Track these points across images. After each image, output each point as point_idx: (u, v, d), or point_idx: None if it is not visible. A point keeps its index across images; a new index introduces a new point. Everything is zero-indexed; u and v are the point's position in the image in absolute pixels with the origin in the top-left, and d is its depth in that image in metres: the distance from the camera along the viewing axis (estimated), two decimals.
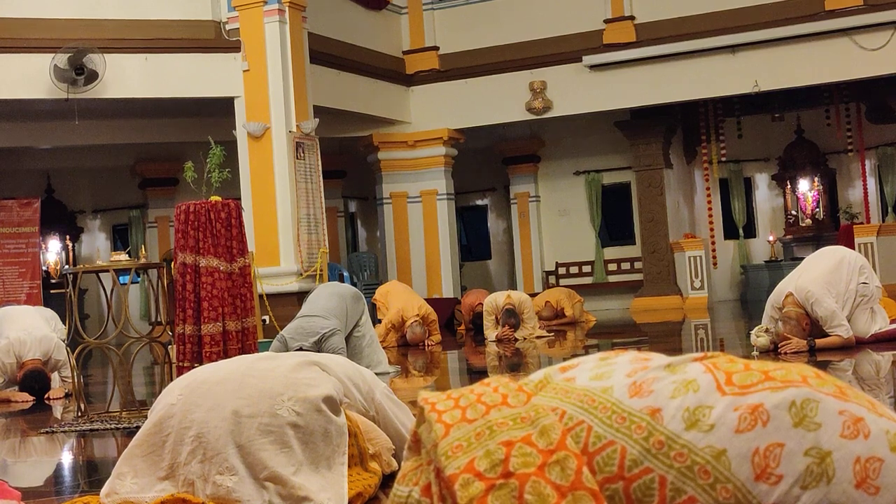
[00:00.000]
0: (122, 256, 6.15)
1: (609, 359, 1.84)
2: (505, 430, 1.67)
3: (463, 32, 15.29)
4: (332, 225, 15.76)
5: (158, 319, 6.13)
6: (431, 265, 15.16)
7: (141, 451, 2.94)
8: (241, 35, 11.49)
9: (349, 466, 2.97)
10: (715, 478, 1.55)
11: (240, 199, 10.63)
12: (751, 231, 16.79)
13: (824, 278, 6.73)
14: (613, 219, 16.83)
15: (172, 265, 6.47)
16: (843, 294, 6.73)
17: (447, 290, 14.98)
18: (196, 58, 11.56)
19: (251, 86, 11.47)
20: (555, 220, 16.94)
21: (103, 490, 2.97)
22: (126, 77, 11.22)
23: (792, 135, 16.15)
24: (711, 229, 16.65)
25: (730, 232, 16.75)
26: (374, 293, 11.43)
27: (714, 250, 16.55)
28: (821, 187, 15.93)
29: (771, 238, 16.10)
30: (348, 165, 17.01)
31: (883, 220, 15.49)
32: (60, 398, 7.17)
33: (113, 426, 5.38)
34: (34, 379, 7.12)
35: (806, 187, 15.95)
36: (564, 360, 1.94)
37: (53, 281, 14.91)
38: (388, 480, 3.12)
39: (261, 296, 10.13)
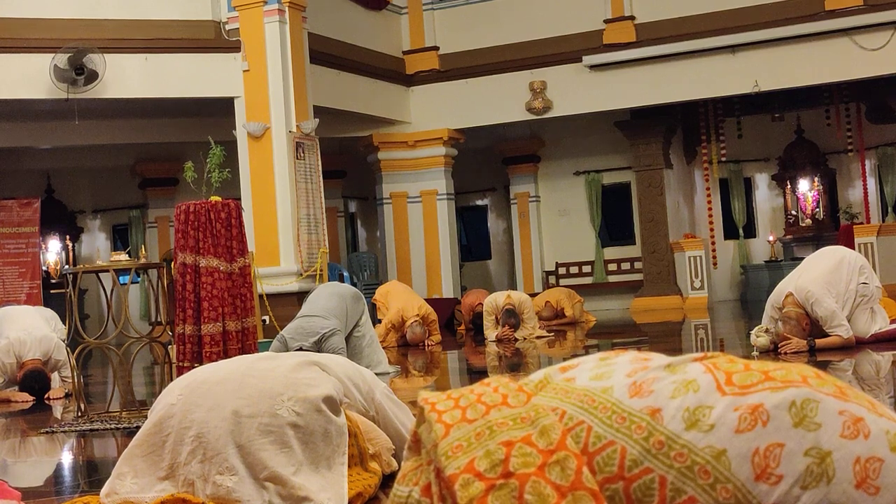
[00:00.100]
0: (122, 256, 6.15)
1: (609, 359, 1.84)
2: (505, 430, 1.67)
3: (463, 32, 15.29)
4: (332, 225, 15.76)
5: (158, 319, 6.13)
6: (431, 265, 15.16)
7: (141, 451, 2.94)
8: (241, 35, 11.49)
9: (349, 466, 2.97)
10: (715, 478, 1.55)
11: (240, 199, 10.63)
12: (751, 231, 16.79)
13: (824, 278, 6.73)
14: (613, 219, 16.83)
15: (172, 265, 6.47)
16: (843, 294, 6.73)
17: (447, 290, 14.98)
18: (196, 58, 11.56)
19: (251, 86, 11.47)
20: (555, 220, 16.94)
21: (103, 490, 2.97)
22: (126, 77, 11.22)
23: (792, 135, 16.15)
24: (711, 229, 16.65)
25: (730, 232, 16.75)
26: (374, 293, 11.43)
27: (714, 250, 16.55)
28: (821, 187, 15.93)
29: (771, 238, 16.10)
30: (348, 165, 17.01)
31: (883, 220, 15.49)
32: (60, 398, 7.17)
33: (113, 426, 5.38)
34: (34, 379, 7.12)
35: (806, 187, 15.95)
36: (564, 360, 1.94)
37: (53, 281, 14.91)
38: (388, 480, 3.12)
39: (261, 296, 10.13)
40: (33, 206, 14.26)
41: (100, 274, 6.41)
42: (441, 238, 15.22)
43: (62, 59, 10.71)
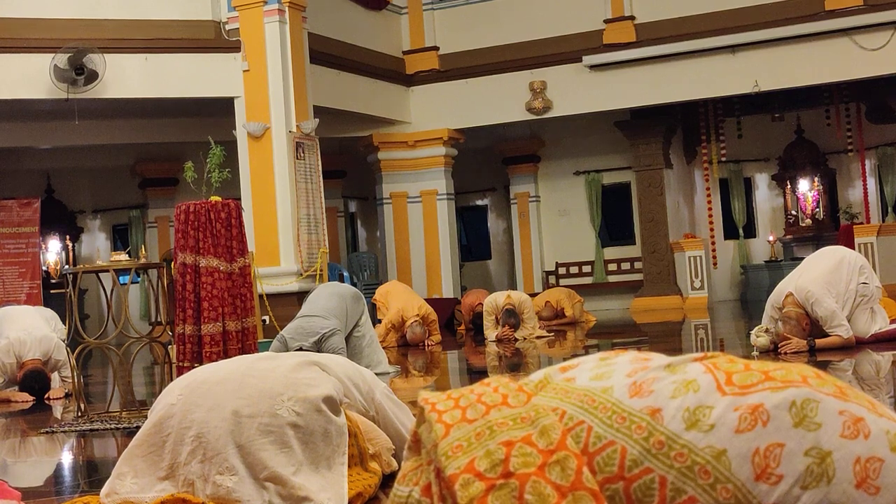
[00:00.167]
0: (122, 256, 6.15)
1: (609, 359, 1.84)
2: (505, 430, 1.67)
3: (463, 32, 15.29)
4: (332, 225, 15.76)
5: (158, 319, 6.13)
6: (431, 265, 15.16)
7: (141, 451, 2.94)
8: (241, 35, 11.49)
9: (349, 466, 2.97)
10: (715, 478, 1.55)
11: (240, 199, 10.63)
12: (751, 231, 16.79)
13: (824, 278, 6.73)
14: (613, 219, 16.83)
15: (172, 265, 6.47)
16: (843, 294, 6.73)
17: (447, 290, 14.98)
18: (196, 58, 11.56)
19: (251, 86, 11.47)
20: (555, 220, 16.94)
21: (103, 490, 2.97)
22: (126, 77, 11.22)
23: (792, 135, 16.15)
24: (711, 229, 16.65)
25: (730, 232, 16.75)
26: (374, 293, 11.43)
27: (714, 250, 16.55)
28: (821, 187, 15.93)
29: (771, 238, 16.10)
30: (348, 165, 17.01)
31: (883, 220, 15.49)
32: (60, 398, 7.17)
33: (113, 426, 5.38)
34: (34, 379, 7.12)
35: (806, 187, 15.95)
36: (564, 360, 1.94)
37: (53, 281, 14.91)
38: (388, 480, 3.12)
39: (261, 296, 10.13)
40: (33, 206, 14.26)
41: (100, 274, 6.41)
42: (441, 238, 15.22)
43: (62, 59, 10.71)
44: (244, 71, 11.47)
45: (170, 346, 6.69)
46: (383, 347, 8.41)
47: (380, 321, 10.65)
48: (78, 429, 5.38)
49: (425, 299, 11.73)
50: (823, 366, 5.77)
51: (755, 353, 6.75)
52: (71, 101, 10.94)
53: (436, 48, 15.40)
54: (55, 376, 7.35)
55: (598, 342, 10.04)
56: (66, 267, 6.64)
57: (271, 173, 11.35)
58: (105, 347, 6.36)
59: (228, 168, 6.68)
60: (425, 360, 8.93)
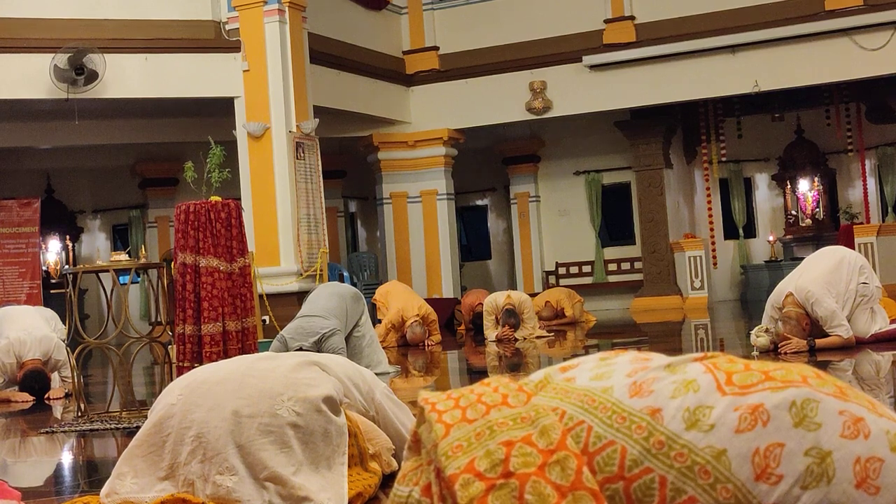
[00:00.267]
0: (122, 256, 6.15)
1: (609, 359, 1.84)
2: (505, 430, 1.67)
3: (463, 32, 15.29)
4: (332, 225, 15.76)
5: (158, 319, 6.13)
6: (431, 265, 15.16)
7: (141, 451, 2.94)
8: (241, 35, 11.49)
9: (349, 466, 2.97)
10: (715, 478, 1.55)
11: (240, 199, 10.63)
12: (751, 231, 16.79)
13: (824, 278, 6.73)
14: (613, 219, 16.83)
15: (172, 265, 6.47)
16: (843, 294, 6.73)
17: (447, 290, 14.98)
18: (196, 58, 11.56)
19: (251, 86, 11.47)
20: (555, 220, 16.94)
21: (103, 490, 2.97)
22: (126, 77, 11.22)
23: (792, 135, 16.15)
24: (711, 229, 16.65)
25: (730, 232, 16.75)
26: (374, 293, 11.43)
27: (714, 250, 16.55)
28: (821, 187, 15.93)
29: (771, 238, 16.10)
30: (348, 165, 17.01)
31: (883, 220, 15.49)
32: (60, 398, 7.17)
33: (113, 426, 5.38)
34: (34, 379, 7.12)
35: (806, 187, 15.95)
36: (564, 360, 1.94)
37: (53, 281, 14.91)
38: (388, 480, 3.12)
39: (261, 296, 10.13)
40: (33, 206, 14.26)
41: (100, 274, 6.41)
42: (441, 238, 15.22)
43: (62, 59, 10.71)
44: (244, 71, 11.47)
45: (170, 346, 6.69)
46: (383, 347, 8.41)
47: (380, 321, 10.65)
48: (78, 429, 5.38)
49: (425, 299, 11.73)
50: (823, 366, 5.77)
51: (755, 353, 6.75)
52: (71, 101, 10.94)
53: (436, 48, 15.40)
54: (55, 376, 7.35)
55: (598, 342, 10.04)
56: (66, 267, 6.64)
57: (271, 173, 11.35)
58: (105, 347, 6.36)
59: (228, 168, 6.68)
60: (425, 360, 8.93)
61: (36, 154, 15.39)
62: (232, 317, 6.18)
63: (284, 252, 11.26)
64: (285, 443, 2.83)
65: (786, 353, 6.53)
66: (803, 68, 13.50)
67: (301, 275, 11.15)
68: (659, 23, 14.24)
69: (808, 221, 15.95)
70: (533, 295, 12.58)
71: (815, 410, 1.58)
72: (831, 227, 15.73)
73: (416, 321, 10.33)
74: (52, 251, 15.85)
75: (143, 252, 6.42)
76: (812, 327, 6.66)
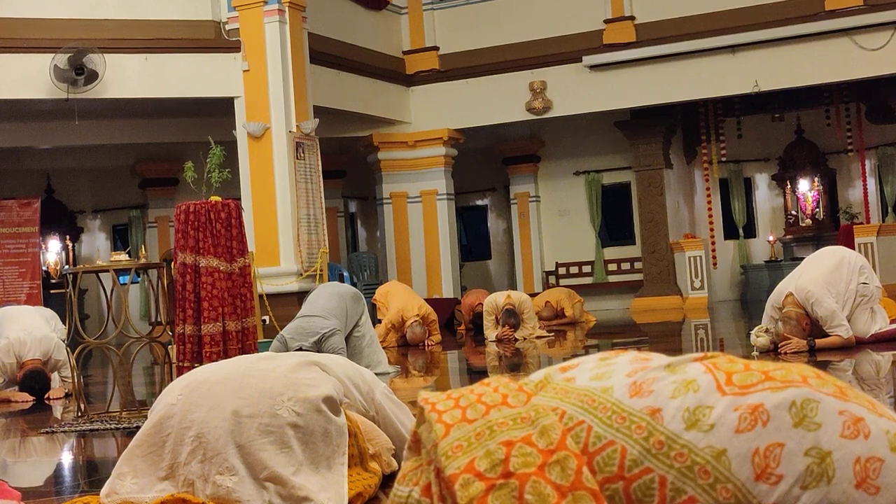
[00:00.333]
0: (122, 256, 6.15)
1: (609, 359, 1.84)
2: (505, 430, 1.67)
3: (463, 32, 15.29)
4: (332, 225, 15.76)
5: (158, 319, 6.13)
6: (431, 265, 15.16)
7: (141, 451, 2.94)
8: (241, 35, 11.49)
9: (349, 466, 2.97)
10: (715, 478, 1.55)
11: (240, 199, 10.63)
12: (751, 231, 16.79)
13: (824, 278, 6.73)
14: (613, 219, 16.83)
15: (172, 265, 6.47)
16: (843, 294, 6.73)
17: (447, 290, 14.98)
18: (196, 58, 11.56)
19: (251, 86, 11.47)
20: (555, 220, 16.94)
21: (103, 490, 2.97)
22: (126, 77, 11.23)
23: (792, 135, 16.15)
24: (711, 229, 16.65)
25: (730, 232, 16.75)
26: (374, 293, 11.43)
27: (714, 250, 16.55)
28: (821, 187, 15.94)
29: (771, 238, 16.10)
30: (348, 165, 17.01)
31: (883, 220, 15.49)
32: (60, 398, 7.17)
33: (113, 426, 5.38)
34: (34, 379, 7.12)
35: (806, 187, 15.95)
36: (564, 360, 1.94)
37: (53, 281, 14.91)
38: (388, 480, 3.12)
39: (261, 296, 10.13)
40: (33, 206, 14.26)
41: (100, 274, 6.41)
42: (441, 238, 15.22)
43: (62, 59, 10.71)
44: (244, 71, 11.47)
45: (170, 346, 6.69)
46: (383, 347, 8.41)
47: (380, 321, 10.65)
48: (78, 429, 5.38)
49: (425, 299, 11.73)
50: (823, 366, 5.77)
51: (755, 353, 6.74)
52: (71, 101, 10.94)
53: (436, 48, 15.40)
54: (55, 376, 7.35)
55: (598, 342, 10.04)
56: (66, 267, 6.64)
57: (271, 173, 11.36)
58: (105, 347, 6.36)
59: (228, 168, 6.68)
60: (425, 360, 8.93)
61: (36, 154, 15.39)
62: (232, 317, 6.18)
63: (284, 252, 11.26)
64: (285, 443, 2.83)
65: (786, 353, 6.53)
66: (803, 68, 13.50)
67: (301, 275, 11.16)
68: (659, 23, 14.24)
69: (808, 221, 15.96)
70: (533, 295, 12.58)
71: (815, 410, 1.58)
72: (831, 227, 15.73)
73: (416, 321, 10.33)
74: (52, 251, 15.86)
75: (143, 252, 6.42)
76: (812, 327, 6.66)
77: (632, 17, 14.42)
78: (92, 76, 10.83)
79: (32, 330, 7.39)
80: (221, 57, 11.55)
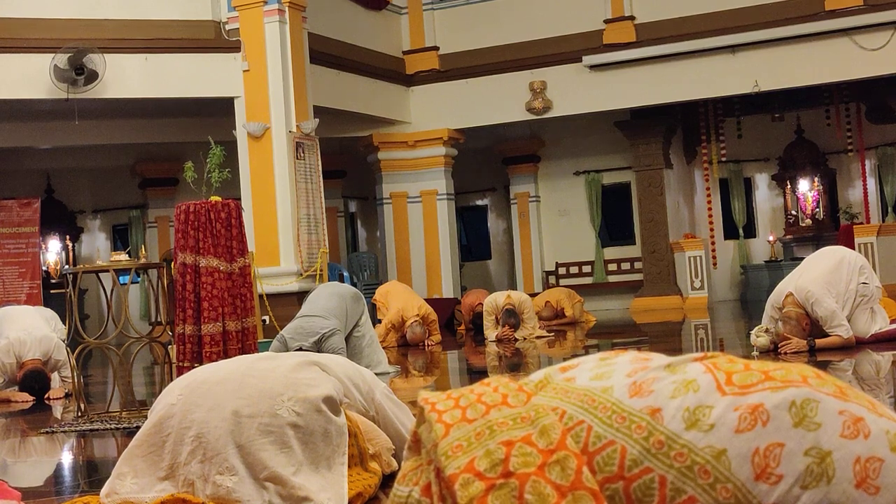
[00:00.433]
0: (122, 256, 6.15)
1: (609, 359, 1.84)
2: (505, 429, 1.67)
3: (463, 32, 15.29)
4: (332, 225, 15.76)
5: (158, 319, 6.13)
6: (431, 265, 15.16)
7: (141, 451, 2.94)
8: (241, 35, 11.49)
9: (349, 466, 2.97)
10: (715, 478, 1.55)
11: (240, 199, 10.63)
12: (751, 231, 16.79)
13: (824, 278, 6.73)
14: (613, 219, 16.84)
15: (172, 265, 6.47)
16: (843, 294, 6.73)
17: (447, 290, 14.98)
18: (196, 58, 11.56)
19: (251, 86, 11.47)
20: (555, 220, 16.94)
21: (103, 490, 2.97)
22: (126, 77, 11.23)
23: (792, 135, 16.15)
24: (711, 229, 16.65)
25: (730, 232, 16.75)
26: (374, 293, 11.43)
27: (714, 250, 16.55)
28: (821, 187, 15.94)
29: (771, 238, 16.10)
30: (348, 165, 17.01)
31: (883, 220, 15.49)
32: (60, 398, 7.17)
33: (113, 426, 5.38)
34: (34, 379, 7.12)
35: (806, 187, 15.95)
36: (564, 360, 1.94)
37: (53, 281, 14.91)
38: (388, 480, 3.12)
39: (261, 296, 10.13)
40: (33, 206, 14.26)
41: (100, 274, 6.41)
42: (441, 238, 15.22)
43: (62, 59, 10.71)
44: (244, 71, 11.47)
45: (170, 346, 6.69)
46: (383, 347, 8.41)
47: (380, 321, 10.65)
48: (78, 429, 5.38)
49: (425, 299, 11.73)
50: (823, 366, 5.77)
51: (755, 353, 6.74)
52: (71, 101, 10.94)
53: (436, 48, 15.40)
54: (55, 376, 7.35)
55: (598, 342, 10.04)
56: (66, 267, 6.64)
57: (271, 173, 11.36)
58: (105, 347, 6.36)
59: (228, 168, 6.68)
60: (425, 360, 8.93)
61: (36, 154, 15.39)
62: (232, 317, 6.18)
63: (284, 252, 11.26)
64: (285, 443, 2.83)
65: (786, 353, 6.53)
66: (803, 68, 13.50)
67: (301, 275, 11.15)
68: (659, 23, 14.24)
69: (808, 221, 15.96)
70: (533, 295, 12.58)
71: (814, 410, 1.58)
72: (831, 227, 15.73)
73: (416, 321, 10.33)
74: (52, 251, 15.86)
75: (143, 252, 6.42)
76: (812, 327, 6.66)
77: (632, 17, 14.42)
78: (92, 76, 10.83)
79: (32, 330, 7.39)
80: (221, 57, 11.55)
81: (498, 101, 14.87)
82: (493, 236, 18.01)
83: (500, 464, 1.61)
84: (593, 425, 1.66)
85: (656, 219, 15.50)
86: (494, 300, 10.67)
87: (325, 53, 13.00)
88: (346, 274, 13.74)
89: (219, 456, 2.82)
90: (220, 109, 11.90)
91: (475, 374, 7.93)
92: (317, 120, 11.82)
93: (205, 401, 2.91)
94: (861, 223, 14.87)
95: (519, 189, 16.97)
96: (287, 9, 11.49)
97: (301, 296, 9.82)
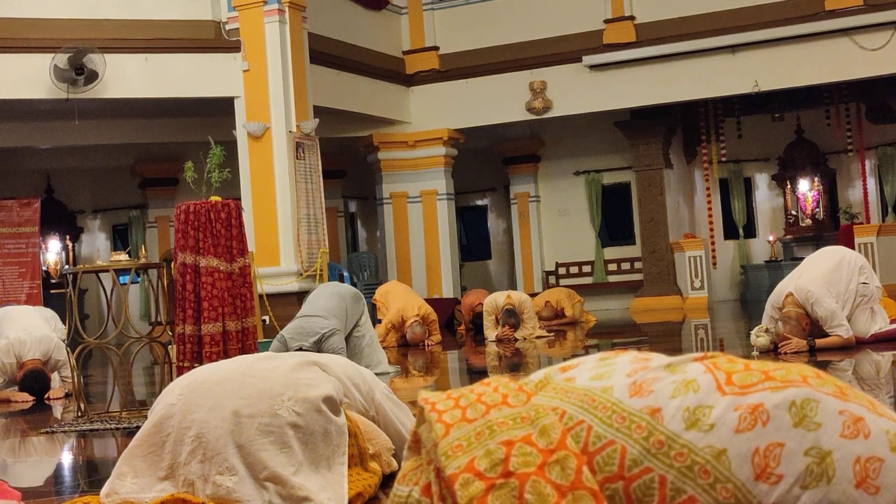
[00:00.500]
0: (122, 256, 6.15)
1: (609, 359, 1.84)
2: (505, 429, 1.67)
3: (463, 32, 15.29)
4: (332, 225, 15.76)
5: (158, 319, 6.13)
6: (431, 265, 15.16)
7: (141, 451, 2.94)
8: (241, 35, 11.49)
9: (349, 466, 2.97)
10: (715, 477, 1.55)
11: (240, 199, 10.63)
12: (751, 231, 16.79)
13: (824, 278, 6.73)
14: (613, 219, 16.84)
15: (172, 265, 6.47)
16: (843, 294, 6.73)
17: (447, 290, 14.98)
18: (196, 58, 11.56)
19: (251, 86, 11.47)
20: (555, 220, 16.94)
21: (103, 490, 2.97)
22: (126, 77, 11.23)
23: (792, 135, 16.16)
24: (711, 229, 16.65)
25: (730, 232, 16.75)
26: (374, 293, 11.43)
27: (714, 250, 16.55)
28: (821, 187, 15.94)
29: (771, 238, 16.10)
30: (348, 165, 17.01)
31: (883, 220, 15.49)
32: (60, 398, 7.17)
33: (113, 426, 5.38)
34: (34, 379, 7.12)
35: (806, 187, 15.96)
36: (564, 360, 1.94)
37: (53, 281, 14.91)
38: (388, 480, 3.12)
39: (261, 296, 10.13)
40: (33, 206, 14.26)
41: (100, 274, 6.41)
42: (441, 238, 15.22)
43: (62, 59, 10.71)
44: (244, 71, 11.47)
45: (170, 346, 6.69)
46: (383, 347, 8.41)
47: (380, 321, 10.65)
48: (78, 429, 5.38)
49: (425, 299, 11.73)
50: (823, 366, 5.77)
51: (755, 353, 6.74)
52: (71, 101, 10.94)
53: (436, 48, 15.40)
54: (55, 376, 7.35)
55: (598, 342, 10.04)
56: (66, 267, 6.64)
57: (271, 173, 11.36)
58: (105, 347, 6.36)
59: (228, 168, 6.68)
60: (425, 360, 8.93)
61: (36, 154, 15.39)
62: (232, 317, 6.18)
63: (284, 252, 11.26)
64: (285, 443, 2.83)
65: (786, 353, 6.53)
66: (803, 68, 13.50)
67: (301, 275, 11.16)
68: (659, 23, 14.24)
69: (808, 221, 15.96)
70: (533, 295, 12.58)
71: (814, 410, 1.58)
72: (831, 227, 15.73)
73: (416, 321, 10.33)
74: (52, 251, 15.86)
75: (143, 252, 6.42)
76: (812, 327, 6.66)
77: (632, 17, 14.42)
78: (92, 76, 10.83)
79: (32, 330, 7.39)
80: (221, 57, 11.55)
81: (498, 101, 14.87)
82: (493, 236, 18.01)
83: (500, 463, 1.61)
84: (593, 425, 1.66)
85: (656, 219, 15.50)
86: (494, 300, 10.67)
87: (325, 53, 13.00)
88: (346, 274, 13.74)
89: (219, 456, 2.82)
90: (220, 109, 11.90)
91: (475, 374, 7.93)
92: (317, 120, 11.82)
93: (205, 401, 2.91)
94: (861, 223, 14.87)
95: (519, 189, 16.97)
96: (287, 9, 11.49)
97: (301, 296, 9.82)
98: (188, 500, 2.79)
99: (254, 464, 2.81)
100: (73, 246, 16.57)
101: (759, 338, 6.79)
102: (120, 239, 17.32)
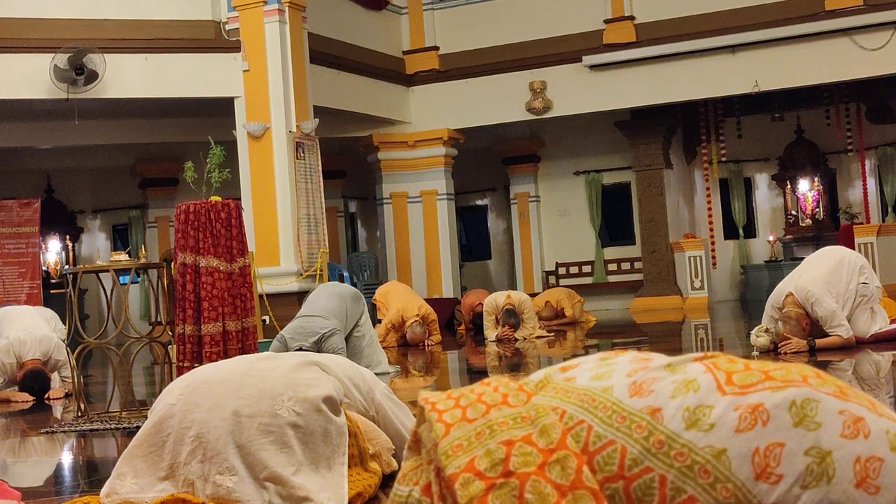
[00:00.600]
0: (122, 256, 6.15)
1: (609, 359, 1.84)
2: (505, 429, 1.67)
3: (463, 32, 15.29)
4: (332, 225, 15.76)
5: (158, 319, 6.13)
6: (431, 265, 15.16)
7: (141, 451, 2.94)
8: (241, 35, 11.49)
9: (349, 466, 2.97)
10: (715, 477, 1.55)
11: (240, 199, 10.63)
12: (751, 231, 16.80)
13: (824, 278, 6.73)
14: (613, 219, 16.84)
15: (172, 265, 6.47)
16: (843, 294, 6.73)
17: (447, 290, 14.98)
18: (196, 58, 11.56)
19: (251, 86, 11.47)
20: (555, 220, 16.94)
21: (103, 490, 2.97)
22: (126, 77, 11.23)
23: (792, 135, 16.16)
24: (711, 229, 16.65)
25: (730, 232, 16.75)
26: (374, 293, 11.43)
27: (714, 250, 16.55)
28: (821, 187, 15.94)
29: (771, 238, 16.10)
30: (348, 165, 17.01)
31: (883, 220, 15.49)
32: (60, 398, 7.17)
33: (113, 426, 5.38)
34: (34, 379, 7.12)
35: (806, 187, 15.96)
36: (564, 360, 1.94)
37: (53, 281, 14.91)
38: (388, 480, 3.12)
39: (261, 296, 10.13)
40: (33, 206, 14.26)
41: (100, 274, 6.41)
42: (441, 238, 15.22)
43: (62, 59, 10.71)
44: (244, 71, 11.47)
45: (170, 346, 6.69)
46: (383, 347, 8.41)
47: (380, 321, 10.65)
48: (78, 429, 5.38)
49: (425, 299, 11.73)
50: (823, 366, 5.77)
51: (755, 353, 6.75)
52: (71, 101, 10.94)
53: (436, 48, 15.41)
54: (55, 376, 7.35)
55: (598, 342, 10.04)
56: (66, 267, 6.64)
57: (271, 173, 11.36)
58: (105, 347, 6.36)
59: (228, 168, 6.68)
60: (425, 360, 8.93)
61: (36, 154, 15.39)
62: (232, 317, 6.18)
63: (284, 252, 11.26)
64: (285, 443, 2.83)
65: (786, 353, 6.53)
66: (803, 68, 13.50)
67: (301, 275, 11.16)
68: (659, 23, 14.24)
69: (808, 221, 15.96)
70: (533, 295, 12.58)
71: (815, 410, 1.58)
72: (831, 227, 15.74)
73: (416, 321, 10.33)
74: (52, 251, 15.86)
75: (143, 252, 6.42)
76: (812, 327, 6.66)
77: (632, 17, 14.42)
78: (92, 76, 10.83)
79: (32, 330, 7.39)
80: (221, 57, 11.55)
81: (498, 101, 14.87)
82: (493, 236, 18.01)
83: (500, 463, 1.61)
84: (593, 425, 1.66)
85: (656, 219, 15.50)
86: (494, 300, 10.67)
87: (325, 53, 13.00)
88: (346, 274, 13.74)
89: (219, 456, 2.82)
90: (220, 109, 11.90)
91: (475, 374, 7.93)
92: (317, 120, 11.82)
93: (205, 401, 2.91)
94: (861, 223, 14.87)
95: (519, 189, 16.97)
96: (287, 9, 11.49)
97: (301, 296, 9.82)
98: (188, 500, 2.79)
99: (254, 464, 2.81)
100: (73, 246, 16.57)
101: (759, 338, 6.79)
102: (120, 239, 17.32)
